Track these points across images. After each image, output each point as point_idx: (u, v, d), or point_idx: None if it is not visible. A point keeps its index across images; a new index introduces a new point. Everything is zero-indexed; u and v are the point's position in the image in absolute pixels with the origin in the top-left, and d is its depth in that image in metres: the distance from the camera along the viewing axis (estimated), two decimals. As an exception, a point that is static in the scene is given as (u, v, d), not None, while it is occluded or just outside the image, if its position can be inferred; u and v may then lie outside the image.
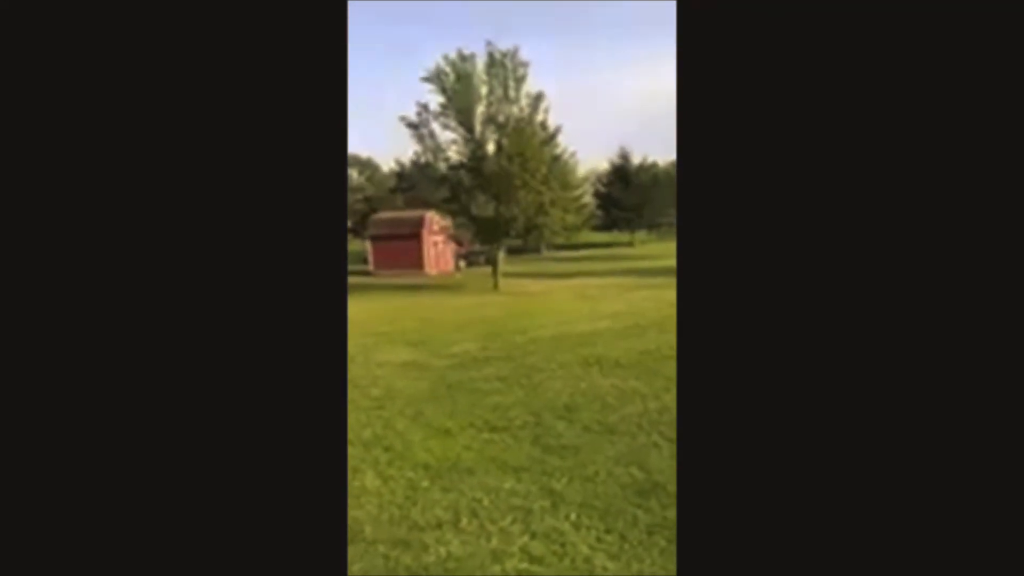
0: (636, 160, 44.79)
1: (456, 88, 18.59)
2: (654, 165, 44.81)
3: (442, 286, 21.96)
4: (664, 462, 4.30)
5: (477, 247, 31.68)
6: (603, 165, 45.47)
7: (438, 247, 31.11)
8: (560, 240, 32.99)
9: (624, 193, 42.47)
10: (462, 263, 33.08)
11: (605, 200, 42.75)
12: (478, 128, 19.10)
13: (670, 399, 5.87)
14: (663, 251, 33.41)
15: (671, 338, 9.20)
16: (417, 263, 29.28)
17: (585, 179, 32.79)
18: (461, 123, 19.01)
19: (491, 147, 19.29)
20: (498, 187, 18.98)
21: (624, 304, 13.71)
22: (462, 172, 19.45)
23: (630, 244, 42.90)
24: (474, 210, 19.25)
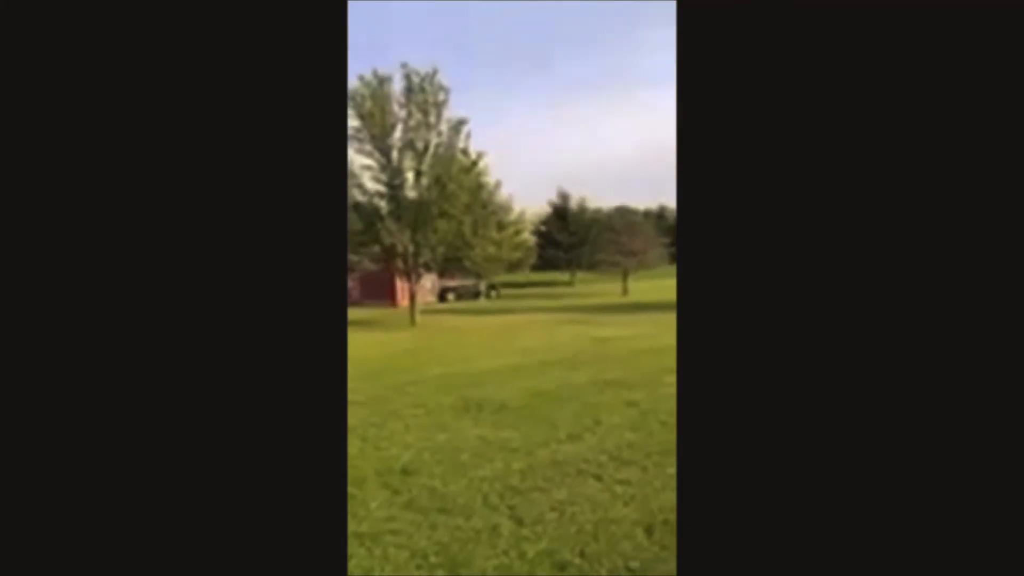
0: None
1: (372, 111, 17.27)
2: (597, 211, 44.69)
3: (359, 321, 20.19)
4: (495, 559, 2.87)
5: (470, 281, 29.95)
6: (546, 209, 45.11)
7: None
8: (494, 277, 31.72)
9: (564, 233, 42.08)
10: (451, 296, 30.67)
11: (546, 240, 42.14)
12: (395, 154, 17.74)
13: (545, 455, 4.49)
14: (601, 289, 32.72)
15: (576, 375, 7.90)
16: (390, 295, 27.52)
17: (522, 215, 31.76)
18: (377, 148, 17.62)
19: (410, 175, 17.91)
20: (415, 216, 17.56)
21: (542, 339, 12.36)
22: (377, 200, 17.94)
23: (570, 283, 42.25)
24: (387, 241, 17.66)
